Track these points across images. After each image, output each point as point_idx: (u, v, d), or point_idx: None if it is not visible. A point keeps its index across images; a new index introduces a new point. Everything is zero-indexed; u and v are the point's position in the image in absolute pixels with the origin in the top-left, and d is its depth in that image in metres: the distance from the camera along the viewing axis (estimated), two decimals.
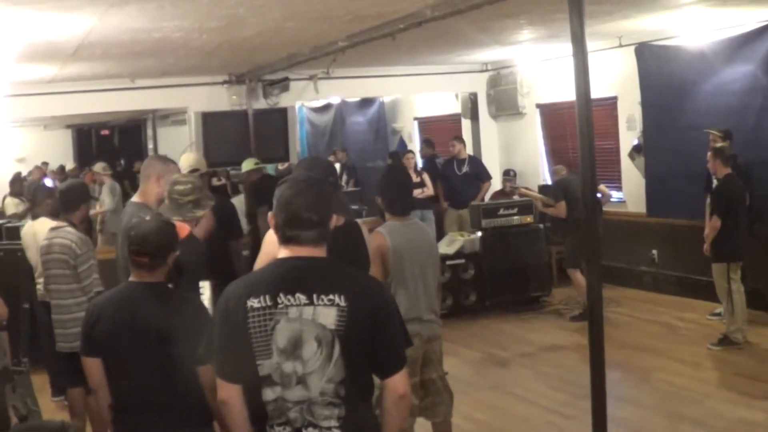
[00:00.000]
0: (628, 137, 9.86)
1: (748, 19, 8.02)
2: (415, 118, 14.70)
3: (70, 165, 16.20)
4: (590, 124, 4.18)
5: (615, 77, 9.85)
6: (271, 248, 3.02)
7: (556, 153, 11.30)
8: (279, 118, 10.93)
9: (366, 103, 15.24)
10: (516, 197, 9.89)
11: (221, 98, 10.63)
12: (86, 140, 18.84)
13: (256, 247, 5.34)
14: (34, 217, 6.26)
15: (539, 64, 11.08)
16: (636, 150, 9.70)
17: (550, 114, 11.40)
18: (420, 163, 12.07)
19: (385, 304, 2.69)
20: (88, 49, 7.03)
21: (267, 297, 2.60)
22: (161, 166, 4.76)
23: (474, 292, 9.22)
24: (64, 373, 5.40)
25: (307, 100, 13.33)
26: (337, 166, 10.92)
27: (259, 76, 10.37)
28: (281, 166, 11.39)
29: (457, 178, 10.98)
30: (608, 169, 10.20)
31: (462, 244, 9.33)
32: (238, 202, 9.69)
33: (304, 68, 9.99)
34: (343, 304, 2.58)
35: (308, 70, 10.42)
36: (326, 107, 15.96)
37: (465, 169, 10.98)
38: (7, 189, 11.75)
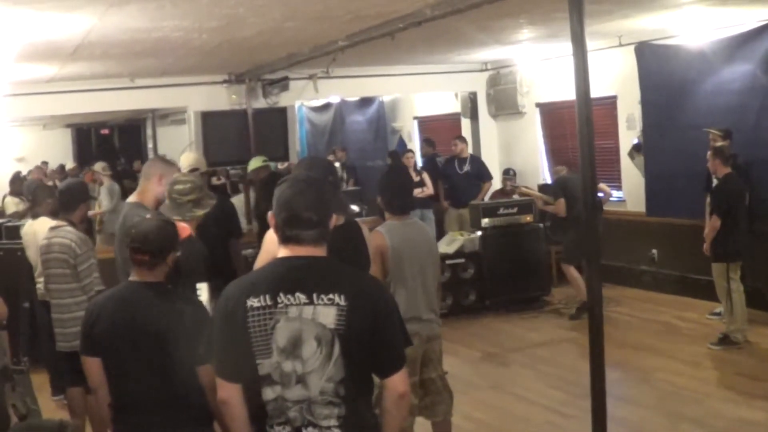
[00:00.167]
0: (628, 136, 9.86)
1: (748, 19, 8.02)
2: (415, 118, 14.70)
3: (69, 164, 16.20)
4: (590, 123, 4.18)
5: (615, 76, 9.84)
6: (271, 247, 3.02)
7: (555, 152, 11.30)
8: (278, 117, 10.93)
9: (365, 102, 15.24)
10: (516, 196, 9.89)
11: (221, 98, 10.63)
12: (86, 139, 18.86)
13: None
14: (35, 216, 6.26)
15: (539, 64, 11.08)
16: (636, 149, 9.69)
17: (550, 113, 11.40)
18: (420, 163, 12.08)
19: (384, 304, 2.69)
20: (88, 49, 7.02)
21: (267, 296, 2.60)
22: (164, 167, 4.78)
23: (474, 291, 9.22)
24: (63, 373, 5.41)
25: (307, 99, 13.34)
26: (337, 165, 10.90)
27: (258, 75, 10.37)
28: (281, 166, 11.39)
29: (459, 177, 10.99)
30: (608, 168, 10.20)
31: (462, 243, 9.33)
32: (238, 201, 9.71)
33: (304, 68, 9.99)
34: (342, 303, 2.58)
35: (308, 70, 10.42)
36: (326, 107, 15.96)
37: (466, 168, 10.99)
38: (6, 188, 11.76)
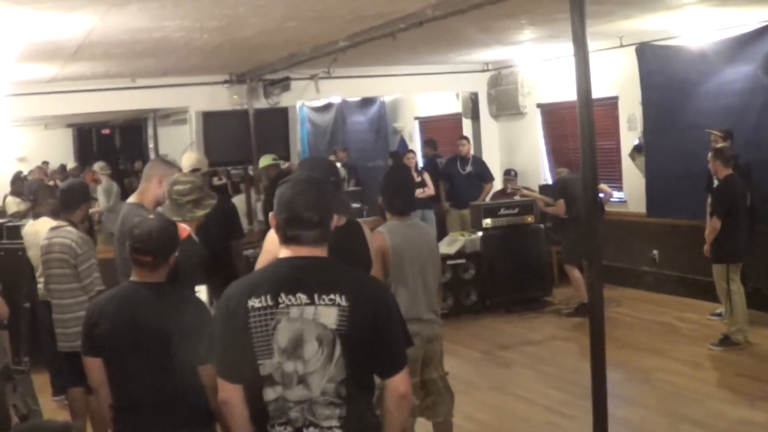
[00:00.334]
0: (629, 137, 9.86)
1: (749, 19, 8.02)
2: (416, 118, 14.69)
3: (70, 164, 16.19)
4: (591, 124, 4.18)
5: (616, 77, 9.84)
6: (273, 248, 3.02)
7: (556, 153, 11.30)
8: (280, 117, 10.93)
9: (367, 102, 15.23)
10: (517, 197, 9.90)
11: (222, 98, 10.63)
12: (87, 139, 18.85)
13: None
14: (36, 216, 6.27)
15: (540, 64, 11.08)
16: (637, 150, 9.69)
17: (551, 114, 11.40)
18: (421, 163, 12.07)
19: (385, 304, 2.70)
20: (89, 49, 7.02)
21: (268, 297, 2.60)
22: (165, 168, 4.78)
23: (475, 291, 9.22)
24: (64, 373, 5.41)
25: (308, 99, 13.33)
26: (338, 165, 10.91)
27: (259, 75, 10.37)
28: (283, 165, 11.39)
29: (461, 177, 11.00)
30: (609, 168, 10.20)
31: (463, 243, 9.33)
32: (239, 201, 9.72)
33: (305, 68, 9.99)
34: (344, 303, 2.58)
35: (309, 70, 10.42)
36: (327, 107, 15.95)
37: (468, 168, 11.00)
38: (7, 188, 11.76)
